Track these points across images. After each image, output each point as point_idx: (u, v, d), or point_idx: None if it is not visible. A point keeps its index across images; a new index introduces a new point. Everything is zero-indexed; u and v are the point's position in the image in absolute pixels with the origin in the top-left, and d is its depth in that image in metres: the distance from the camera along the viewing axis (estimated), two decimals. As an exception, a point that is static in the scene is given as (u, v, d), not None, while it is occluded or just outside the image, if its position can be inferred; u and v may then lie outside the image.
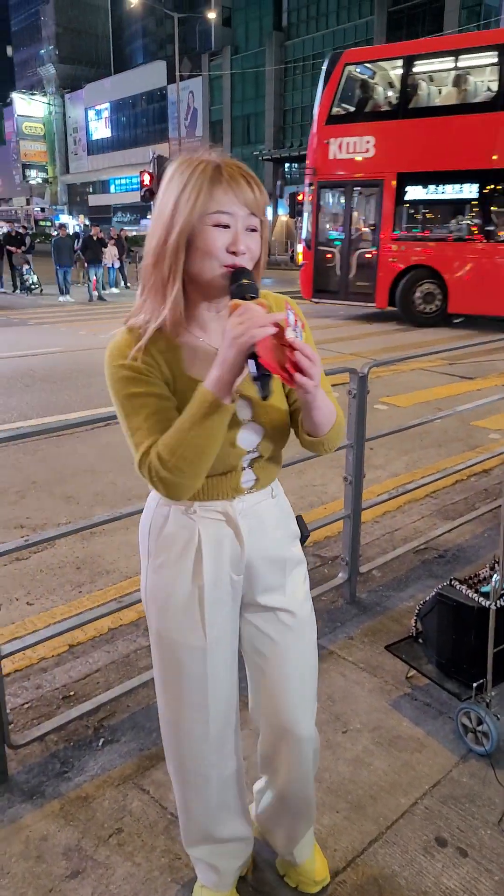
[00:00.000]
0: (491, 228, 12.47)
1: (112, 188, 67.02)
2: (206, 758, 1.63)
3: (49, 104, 76.32)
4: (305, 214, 14.49)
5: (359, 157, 13.21)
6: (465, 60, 12.86)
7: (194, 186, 1.28)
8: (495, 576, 2.46)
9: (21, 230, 21.53)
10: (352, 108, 13.69)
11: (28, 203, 67.64)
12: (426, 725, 2.51)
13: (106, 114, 69.04)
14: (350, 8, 45.04)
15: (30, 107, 75.28)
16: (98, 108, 69.90)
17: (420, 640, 2.74)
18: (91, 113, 71.07)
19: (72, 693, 2.70)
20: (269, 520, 1.57)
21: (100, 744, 2.42)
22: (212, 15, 46.68)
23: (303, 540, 1.69)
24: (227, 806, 1.71)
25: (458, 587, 2.57)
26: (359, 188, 13.71)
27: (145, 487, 1.68)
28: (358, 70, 13.67)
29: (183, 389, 1.36)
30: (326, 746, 2.39)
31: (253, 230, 1.34)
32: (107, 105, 68.53)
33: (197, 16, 50.63)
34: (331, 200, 14.41)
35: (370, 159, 13.11)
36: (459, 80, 12.69)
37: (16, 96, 75.32)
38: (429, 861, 1.97)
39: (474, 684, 2.39)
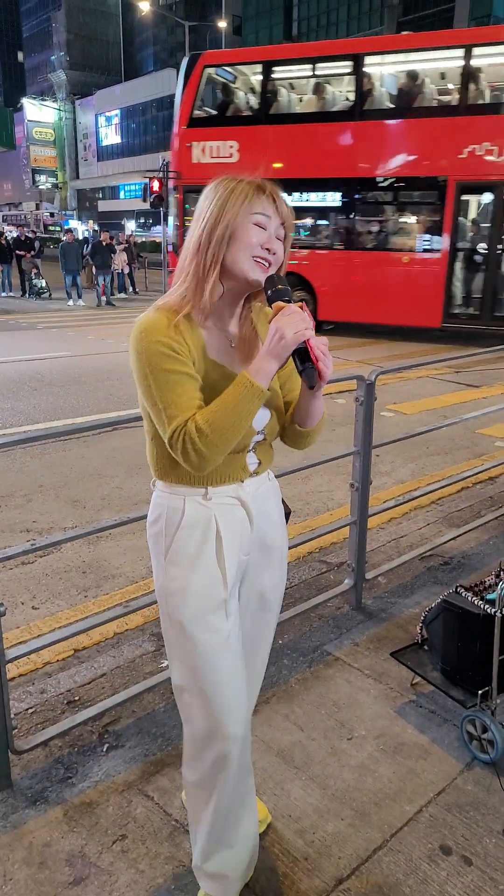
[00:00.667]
0: (354, 237, 12.55)
1: (122, 194, 67.28)
2: (243, 738, 1.68)
3: (59, 110, 76.69)
4: (171, 220, 14.26)
5: (223, 162, 12.81)
6: (323, 69, 12.86)
7: (243, 191, 1.50)
8: (501, 583, 2.45)
9: (31, 234, 21.59)
10: (214, 112, 13.49)
11: (38, 208, 67.97)
12: (431, 733, 2.50)
13: (116, 120, 69.29)
14: (360, 18, 45.30)
15: (40, 112, 75.64)
16: (108, 114, 70.17)
17: (425, 647, 2.73)
18: (101, 119, 71.37)
19: (76, 698, 2.70)
20: (271, 503, 1.75)
21: (104, 749, 2.41)
22: (223, 23, 46.94)
23: (287, 517, 1.85)
24: (249, 793, 1.77)
25: (463, 594, 2.56)
26: None
27: (152, 492, 1.70)
28: (218, 73, 13.47)
29: (205, 370, 1.52)
30: (331, 753, 2.39)
31: (279, 238, 1.55)
32: (117, 111, 68.80)
33: (208, 24, 50.90)
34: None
35: (234, 165, 12.63)
36: (318, 88, 12.60)
37: (26, 102, 75.68)
38: (433, 869, 1.96)
39: (479, 692, 2.38)
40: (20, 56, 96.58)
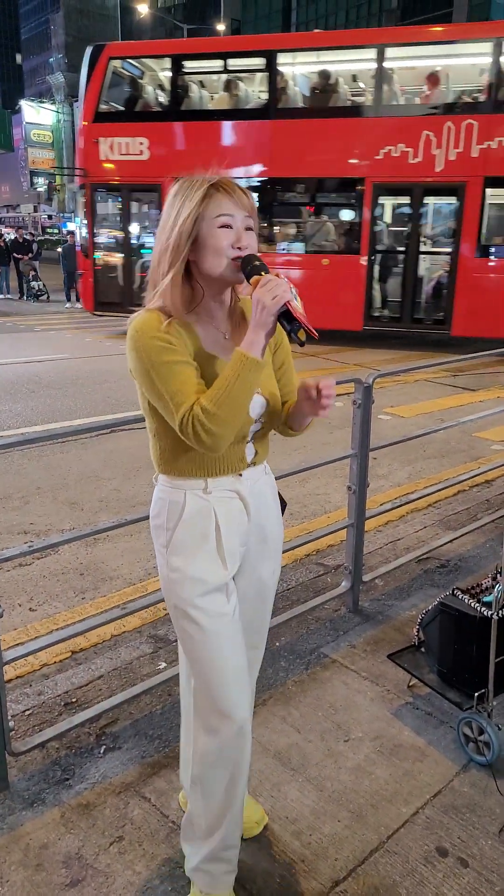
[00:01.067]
0: (272, 239, 12.05)
1: (119, 196, 67.33)
2: (245, 709, 1.71)
3: (58, 112, 76.66)
4: (78, 220, 13.66)
5: (133, 160, 12.20)
6: (235, 65, 12.20)
7: (198, 196, 1.52)
8: (497, 586, 2.46)
9: (29, 237, 21.58)
10: (121, 107, 12.72)
11: (35, 210, 67.92)
12: (427, 735, 2.50)
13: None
14: (358, 23, 45.45)
15: (38, 115, 75.52)
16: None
17: (422, 650, 2.74)
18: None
19: (74, 700, 2.70)
20: (268, 497, 1.79)
21: (102, 751, 2.42)
22: (221, 27, 47.00)
23: (283, 509, 1.89)
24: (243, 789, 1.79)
25: (460, 597, 2.57)
26: (136, 193, 12.65)
27: (149, 494, 1.72)
28: (124, 66, 12.73)
29: (201, 362, 1.57)
30: (328, 755, 2.39)
31: (249, 229, 1.58)
32: (115, 114, 68.91)
33: (206, 27, 50.96)
34: (108, 206, 13.29)
35: (145, 162, 12.11)
36: (231, 85, 11.99)
37: (25, 104, 75.56)
38: (430, 871, 1.96)
39: (476, 694, 2.39)
40: (18, 58, 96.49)
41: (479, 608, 2.48)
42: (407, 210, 11.50)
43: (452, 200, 11.02)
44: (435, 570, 3.78)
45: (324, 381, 1.55)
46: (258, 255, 1.55)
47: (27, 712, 2.62)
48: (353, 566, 3.26)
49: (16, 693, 2.72)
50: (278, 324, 1.50)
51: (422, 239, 11.41)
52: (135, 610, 2.60)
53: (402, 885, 1.92)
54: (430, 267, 11.55)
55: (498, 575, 2.66)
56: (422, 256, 11.43)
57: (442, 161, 10.73)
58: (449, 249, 11.19)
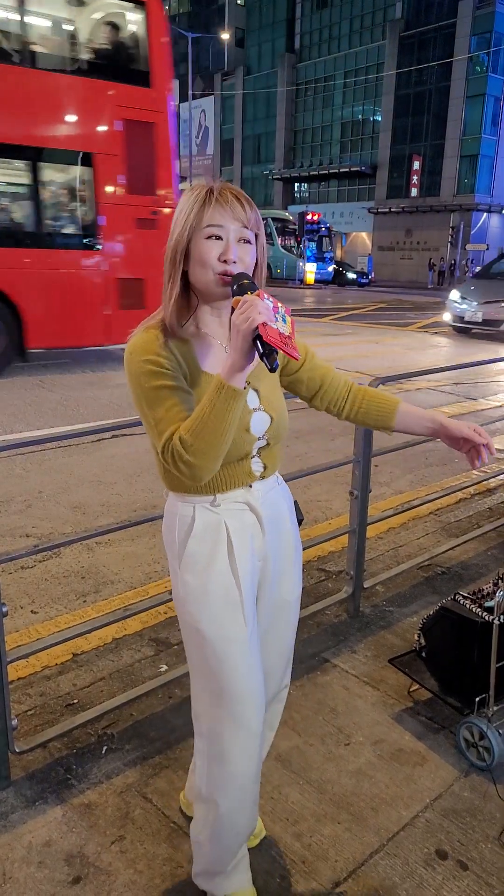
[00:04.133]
0: (52, 231, 9.38)
1: (122, 204, 67.67)
2: (253, 751, 1.68)
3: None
4: None
5: None
6: None
7: (191, 207, 1.47)
8: (499, 591, 2.48)
9: None
10: None
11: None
12: (428, 739, 2.51)
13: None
14: (362, 33, 45.57)
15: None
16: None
17: (423, 655, 2.75)
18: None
19: (75, 701, 2.71)
20: (283, 510, 1.75)
21: (103, 752, 2.43)
22: (225, 36, 47.37)
23: (300, 522, 1.85)
24: (255, 799, 1.78)
25: (461, 602, 2.59)
26: None
27: (150, 499, 1.74)
28: None
29: (199, 384, 1.52)
30: (329, 758, 2.41)
31: (247, 242, 1.50)
32: (119, 122, 69.32)
33: (211, 36, 51.35)
34: None
35: None
36: None
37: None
38: (429, 873, 1.97)
39: (476, 699, 2.40)
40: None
41: (480, 613, 2.50)
42: None
43: None
44: (436, 577, 3.79)
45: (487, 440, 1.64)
46: (248, 273, 1.48)
47: (29, 712, 2.64)
48: (355, 572, 3.28)
49: (18, 694, 2.74)
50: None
51: None
52: (136, 613, 2.62)
53: (402, 887, 1.93)
54: None
55: (500, 580, 2.67)
56: None
57: None
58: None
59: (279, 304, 1.42)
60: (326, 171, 47.76)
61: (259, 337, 1.35)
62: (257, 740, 1.67)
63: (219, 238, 1.47)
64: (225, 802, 1.69)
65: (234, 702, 1.63)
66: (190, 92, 38.56)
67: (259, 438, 1.61)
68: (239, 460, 1.58)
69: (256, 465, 1.63)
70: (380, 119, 44.15)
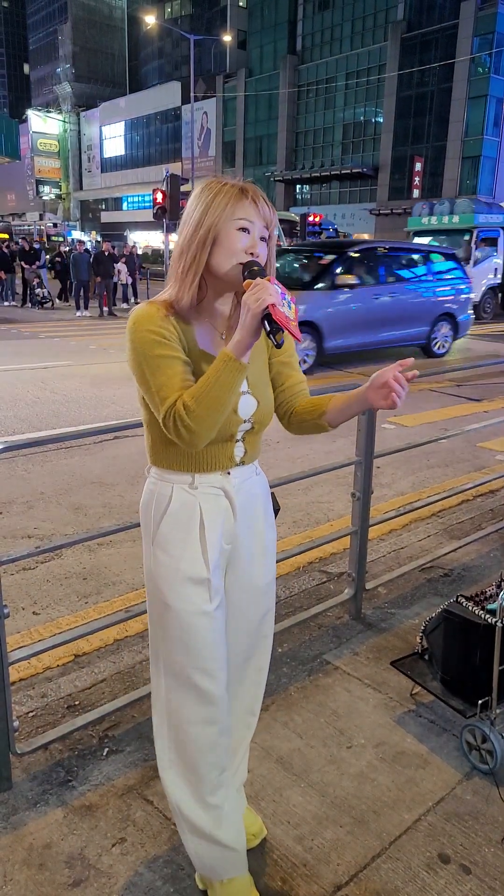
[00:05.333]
0: None
1: (125, 205, 67.64)
2: (217, 720, 1.73)
3: (64, 122, 77.21)
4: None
5: None
6: None
7: (225, 196, 1.55)
8: (502, 593, 2.47)
9: (37, 245, 21.68)
10: None
11: (41, 218, 68.25)
12: (430, 742, 2.50)
13: (120, 132, 69.76)
14: (364, 34, 45.58)
15: (45, 124, 76.12)
16: (112, 126, 70.67)
17: (425, 657, 2.74)
18: (105, 130, 71.86)
19: (77, 702, 2.71)
20: (258, 498, 1.79)
21: (104, 753, 2.42)
22: (227, 37, 47.38)
23: (276, 512, 1.90)
24: (226, 776, 1.81)
25: (464, 604, 2.58)
26: None
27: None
28: None
29: (195, 360, 1.59)
30: (330, 761, 2.40)
31: (263, 240, 1.60)
32: (121, 123, 69.30)
33: (213, 38, 51.39)
34: None
35: None
36: None
37: (31, 113, 76.09)
38: (432, 877, 1.96)
39: (479, 702, 2.39)
40: (26, 68, 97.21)
41: (483, 615, 2.49)
42: None
43: None
44: (439, 579, 3.79)
45: (408, 373, 1.56)
46: (256, 260, 1.56)
47: (31, 714, 2.63)
48: (357, 573, 3.27)
49: (19, 695, 2.73)
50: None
51: None
52: (138, 614, 2.61)
53: (404, 891, 1.92)
54: None
55: (502, 582, 2.67)
56: None
57: None
58: None
59: (286, 291, 1.50)
60: (328, 173, 47.76)
61: (268, 315, 1.45)
62: (219, 708, 1.72)
63: (247, 231, 1.56)
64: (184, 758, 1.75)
65: (196, 670, 1.69)
66: (192, 94, 38.46)
67: (245, 421, 1.67)
68: (224, 441, 1.65)
69: (238, 450, 1.70)
70: (381, 120, 44.16)
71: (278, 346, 1.45)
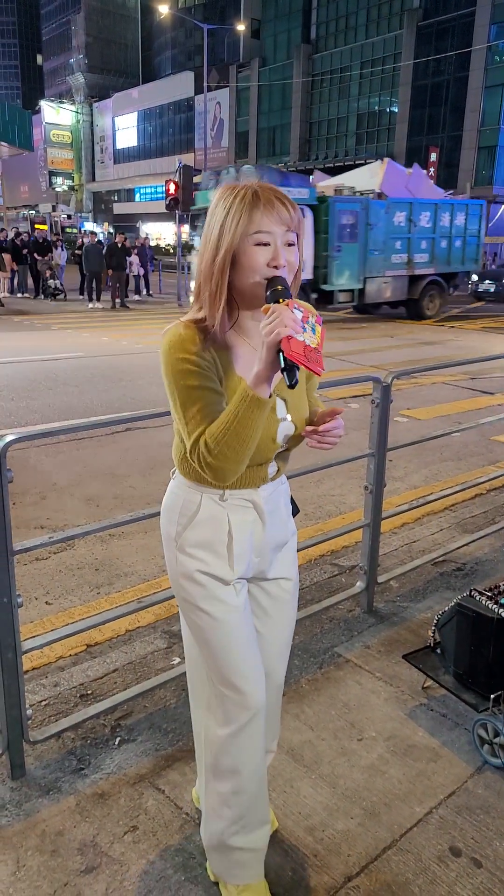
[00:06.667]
0: None
1: (137, 197, 67.55)
2: (261, 692, 1.72)
3: (77, 112, 77.09)
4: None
5: None
6: None
7: (236, 212, 1.45)
8: (515, 588, 2.46)
9: (52, 238, 21.72)
10: None
11: (54, 210, 68.29)
12: (442, 736, 2.50)
13: (133, 123, 69.60)
14: (379, 22, 45.18)
15: (58, 115, 76.03)
16: (125, 117, 70.51)
17: (438, 651, 2.74)
18: (118, 121, 71.70)
19: (89, 692, 2.72)
20: (282, 505, 1.78)
21: (116, 743, 2.44)
22: (241, 27, 47.00)
23: (294, 514, 1.87)
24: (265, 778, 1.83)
25: (477, 598, 2.57)
26: None
27: (164, 492, 1.74)
28: None
29: (233, 387, 1.52)
30: (341, 753, 2.40)
31: (290, 244, 1.50)
32: (134, 114, 69.13)
33: (226, 27, 51.03)
34: None
35: None
36: None
37: (44, 104, 76.00)
38: (443, 870, 1.96)
39: (492, 696, 2.39)
40: (39, 59, 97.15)
41: (496, 609, 2.48)
42: None
43: None
44: (451, 573, 3.77)
45: (334, 421, 1.53)
46: (281, 277, 1.46)
47: (43, 702, 2.65)
48: (369, 567, 3.26)
49: (32, 684, 2.75)
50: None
51: None
52: (150, 605, 2.62)
53: (415, 883, 1.92)
54: None
55: (515, 576, 2.65)
56: None
57: None
58: None
59: (310, 314, 1.41)
60: (342, 164, 47.46)
61: (281, 352, 1.34)
62: (260, 713, 1.71)
63: (267, 244, 1.46)
64: (246, 766, 1.74)
65: (233, 665, 1.67)
66: (205, 84, 38.26)
67: (281, 446, 1.64)
68: (258, 465, 1.62)
69: (272, 469, 1.68)
70: (396, 110, 43.80)
71: (291, 385, 1.34)
